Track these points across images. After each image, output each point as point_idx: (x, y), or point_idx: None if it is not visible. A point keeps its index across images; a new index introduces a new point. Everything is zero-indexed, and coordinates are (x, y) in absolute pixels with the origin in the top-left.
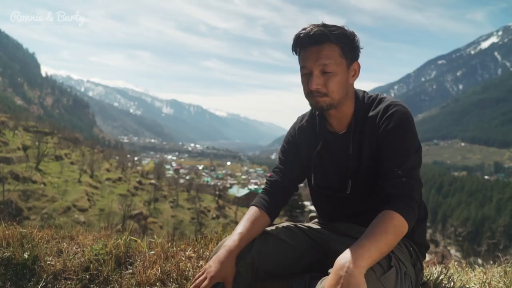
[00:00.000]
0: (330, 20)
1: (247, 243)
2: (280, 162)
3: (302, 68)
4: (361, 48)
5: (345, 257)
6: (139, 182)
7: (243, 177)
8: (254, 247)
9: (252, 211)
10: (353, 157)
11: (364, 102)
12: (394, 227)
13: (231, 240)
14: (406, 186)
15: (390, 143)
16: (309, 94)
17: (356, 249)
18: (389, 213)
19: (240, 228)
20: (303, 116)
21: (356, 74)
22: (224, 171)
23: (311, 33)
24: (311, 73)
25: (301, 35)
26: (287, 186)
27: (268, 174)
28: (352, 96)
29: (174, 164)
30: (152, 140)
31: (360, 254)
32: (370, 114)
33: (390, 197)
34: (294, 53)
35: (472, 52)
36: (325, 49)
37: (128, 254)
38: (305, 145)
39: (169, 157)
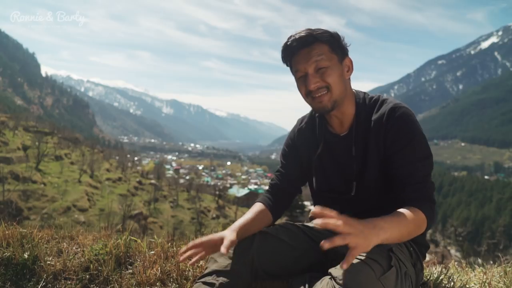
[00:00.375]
0: (329, 20)
1: (249, 234)
2: (281, 166)
3: (296, 72)
4: (349, 46)
5: (372, 224)
6: (139, 182)
7: (243, 177)
8: (254, 247)
9: (257, 206)
10: (357, 158)
11: (365, 103)
12: (417, 220)
13: (234, 225)
14: (426, 189)
15: (403, 147)
16: (309, 95)
17: (382, 223)
18: (413, 209)
19: (243, 219)
20: (303, 118)
21: (350, 70)
22: (224, 171)
23: (298, 37)
24: (306, 74)
25: (288, 42)
26: (289, 189)
27: (269, 174)
28: (352, 95)
29: (174, 164)
30: (152, 140)
31: (384, 228)
32: (374, 116)
33: (412, 200)
34: (285, 64)
35: (472, 52)
36: (314, 48)
37: (128, 254)
38: (305, 148)
39: (169, 157)
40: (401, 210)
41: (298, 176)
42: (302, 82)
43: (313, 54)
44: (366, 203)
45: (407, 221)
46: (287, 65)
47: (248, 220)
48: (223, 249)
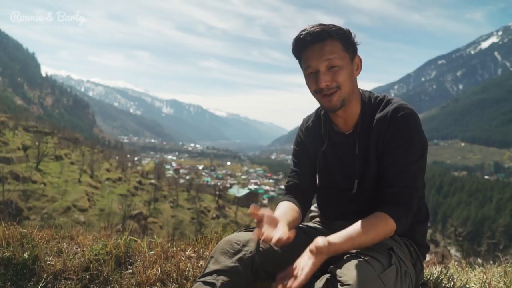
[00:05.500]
0: (328, 20)
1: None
2: (294, 165)
3: (306, 68)
4: (358, 44)
5: (323, 241)
6: (139, 182)
7: (243, 177)
8: (254, 246)
9: (289, 204)
10: (359, 157)
11: (371, 102)
12: (383, 231)
13: (282, 218)
14: (407, 195)
15: (396, 148)
16: (319, 92)
17: (334, 241)
18: (385, 216)
19: (286, 216)
20: (308, 117)
21: (359, 68)
22: (224, 171)
23: (311, 31)
24: (317, 72)
25: (302, 36)
26: (307, 187)
27: (269, 174)
28: (358, 95)
29: (174, 164)
30: (152, 140)
31: (334, 245)
32: (378, 115)
33: (390, 202)
34: (295, 56)
35: (472, 52)
36: (327, 45)
37: (128, 254)
38: (312, 145)
39: (169, 157)
40: (370, 220)
41: (312, 173)
42: (312, 78)
43: (325, 51)
44: (367, 200)
45: (366, 236)
46: (297, 58)
47: (289, 216)
48: (274, 240)
